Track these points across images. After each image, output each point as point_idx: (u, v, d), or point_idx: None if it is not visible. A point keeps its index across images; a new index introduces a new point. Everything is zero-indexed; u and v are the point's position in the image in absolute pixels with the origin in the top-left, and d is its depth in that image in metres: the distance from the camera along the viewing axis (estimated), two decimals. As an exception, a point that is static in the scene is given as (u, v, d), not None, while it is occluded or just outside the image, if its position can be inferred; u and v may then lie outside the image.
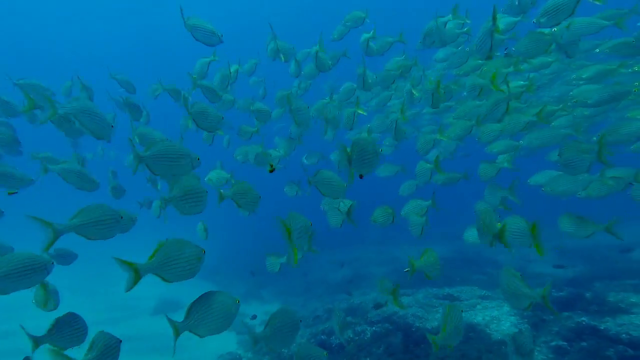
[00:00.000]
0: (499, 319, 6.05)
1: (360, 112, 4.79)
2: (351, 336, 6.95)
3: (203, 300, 2.26)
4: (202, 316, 2.22)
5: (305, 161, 6.57)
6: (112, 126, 3.04)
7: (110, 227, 2.50)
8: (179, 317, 2.24)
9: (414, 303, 7.40)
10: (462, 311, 2.98)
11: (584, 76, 5.19)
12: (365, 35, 4.99)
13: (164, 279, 2.20)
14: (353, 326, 7.30)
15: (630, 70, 4.62)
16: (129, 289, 2.13)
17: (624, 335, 4.73)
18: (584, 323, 5.27)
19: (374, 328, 6.92)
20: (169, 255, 2.17)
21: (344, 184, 3.28)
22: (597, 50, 4.92)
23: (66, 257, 4.34)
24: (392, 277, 12.19)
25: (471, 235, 4.71)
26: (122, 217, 2.60)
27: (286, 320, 2.55)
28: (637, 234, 10.82)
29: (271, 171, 3.64)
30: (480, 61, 5.38)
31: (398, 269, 12.07)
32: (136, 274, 2.12)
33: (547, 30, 3.64)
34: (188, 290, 13.29)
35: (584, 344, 4.95)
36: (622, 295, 5.82)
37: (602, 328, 5.06)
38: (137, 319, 10.51)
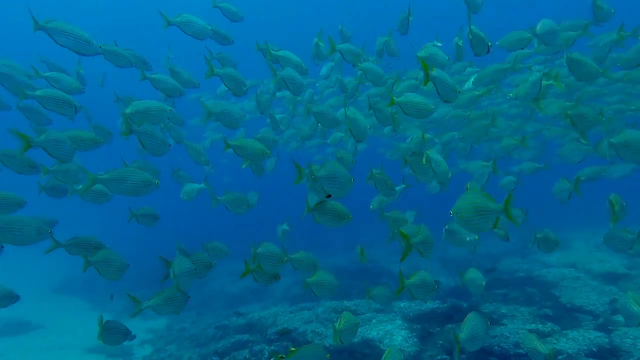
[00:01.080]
0: (391, 333, 6.25)
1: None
2: (247, 357, 6.48)
3: None
4: None
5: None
6: None
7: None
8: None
9: (314, 318, 7.28)
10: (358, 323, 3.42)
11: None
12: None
13: None
14: (250, 345, 6.84)
15: (509, 97, 5.06)
16: None
17: (496, 347, 5.26)
18: (463, 335, 5.75)
19: (272, 347, 6.57)
20: None
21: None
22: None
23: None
24: (294, 289, 11.83)
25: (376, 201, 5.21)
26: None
27: None
28: (504, 244, 12.60)
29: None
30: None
31: (299, 281, 11.96)
32: None
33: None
34: (46, 309, 11.04)
35: (464, 356, 5.38)
36: (495, 306, 6.54)
37: (478, 340, 5.57)
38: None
